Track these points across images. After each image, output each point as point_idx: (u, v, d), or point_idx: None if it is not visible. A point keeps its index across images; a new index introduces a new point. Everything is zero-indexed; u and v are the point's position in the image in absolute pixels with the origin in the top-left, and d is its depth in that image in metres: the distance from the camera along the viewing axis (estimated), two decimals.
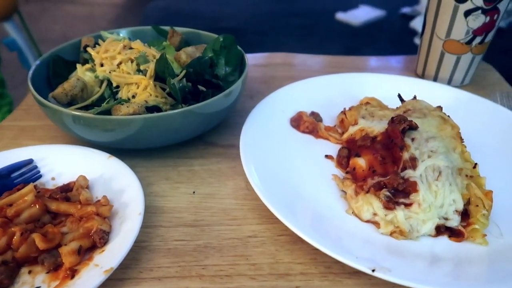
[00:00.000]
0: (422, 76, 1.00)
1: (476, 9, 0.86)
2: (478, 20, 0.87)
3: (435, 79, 0.97)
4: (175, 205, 0.62)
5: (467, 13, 0.87)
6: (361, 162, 0.65)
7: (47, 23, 4.05)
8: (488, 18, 0.87)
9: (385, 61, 1.10)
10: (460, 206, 0.57)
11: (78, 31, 3.86)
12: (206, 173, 0.68)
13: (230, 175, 0.68)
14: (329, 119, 0.80)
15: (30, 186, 0.56)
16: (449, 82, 0.96)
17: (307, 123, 0.76)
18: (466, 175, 0.61)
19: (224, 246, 0.55)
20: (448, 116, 0.70)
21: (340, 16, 2.29)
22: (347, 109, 0.78)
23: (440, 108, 0.73)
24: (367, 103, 0.79)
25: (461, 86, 0.97)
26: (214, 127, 0.76)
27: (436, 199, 0.57)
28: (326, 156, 0.71)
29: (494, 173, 0.64)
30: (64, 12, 4.36)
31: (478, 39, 0.90)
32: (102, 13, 4.38)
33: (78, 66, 0.77)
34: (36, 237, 0.49)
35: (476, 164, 0.62)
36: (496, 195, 0.59)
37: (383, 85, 0.87)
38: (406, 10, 2.32)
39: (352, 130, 0.72)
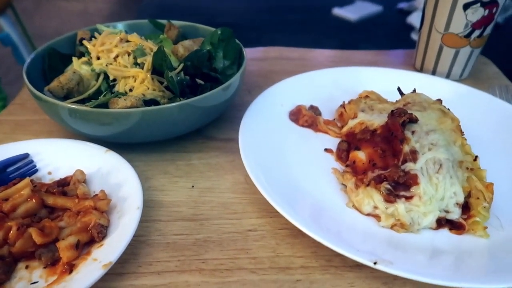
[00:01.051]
0: (421, 70, 1.00)
1: (475, 2, 0.86)
2: (477, 13, 0.87)
3: (433, 72, 0.97)
4: (173, 199, 0.61)
5: (466, 6, 0.86)
6: (361, 155, 0.64)
7: (41, 19, 4.00)
8: (487, 11, 0.87)
9: (383, 55, 1.09)
10: (461, 198, 0.57)
11: (72, 27, 3.80)
12: (204, 167, 0.67)
13: (229, 169, 0.67)
14: (328, 112, 0.80)
15: (26, 181, 0.55)
16: (447, 76, 0.96)
17: (306, 117, 0.75)
18: (467, 168, 0.60)
19: (224, 240, 0.55)
20: (448, 109, 0.70)
21: (337, 11, 2.28)
22: (346, 102, 0.78)
23: (440, 101, 0.72)
24: (366, 96, 0.79)
25: (460, 79, 0.96)
26: (213, 121, 0.75)
27: (437, 191, 0.56)
28: (326, 149, 0.71)
29: (494, 166, 0.64)
30: (59, 8, 4.31)
31: (477, 33, 0.90)
32: (96, 9, 4.34)
33: (74, 59, 0.76)
34: (33, 232, 0.49)
35: (476, 156, 0.62)
36: (497, 188, 0.59)
37: (382, 79, 0.86)
38: (403, 5, 2.31)
39: (351, 123, 0.72)
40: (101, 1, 4.54)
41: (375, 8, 2.32)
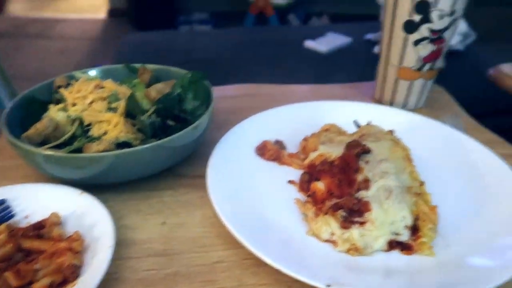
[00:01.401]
0: (380, 101, 1.07)
1: (424, 38, 0.94)
2: (426, 49, 0.95)
3: (391, 103, 1.04)
4: (145, 236, 0.65)
5: (416, 43, 0.95)
6: (320, 186, 0.69)
7: (21, 59, 4.06)
8: (435, 47, 0.95)
9: (349, 88, 1.17)
10: (409, 221, 0.62)
11: (53, 66, 3.88)
12: (175, 204, 0.72)
13: (198, 205, 0.71)
14: (293, 146, 0.85)
15: (3, 227, 0.58)
16: (404, 106, 1.03)
17: (271, 151, 0.81)
18: (415, 193, 0.66)
19: (192, 273, 0.59)
20: (399, 139, 0.77)
21: (309, 44, 2.40)
22: (308, 136, 0.84)
23: (391, 132, 0.79)
24: (327, 129, 0.85)
25: (416, 109, 1.04)
26: (184, 159, 0.80)
27: (388, 216, 0.62)
28: (289, 181, 0.76)
29: (441, 189, 0.70)
30: (39, 47, 4.38)
31: (428, 66, 0.98)
32: (76, 47, 4.42)
33: (51, 106, 0.80)
34: (9, 276, 0.52)
35: (423, 182, 0.68)
36: (442, 209, 0.65)
37: (343, 112, 0.93)
38: (369, 36, 2.44)
39: (312, 156, 0.77)
40: (81, 39, 4.64)
41: (345, 40, 2.45)
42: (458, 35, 2.30)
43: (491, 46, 2.99)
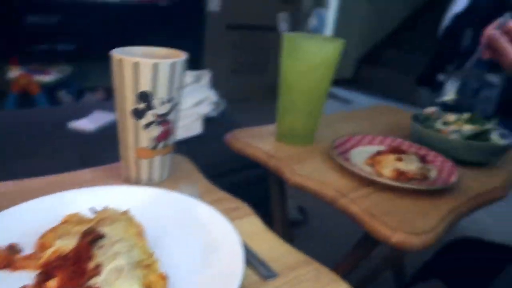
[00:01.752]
0: (129, 180, 1.16)
1: (151, 122, 1.09)
2: (156, 131, 1.10)
3: (137, 182, 1.14)
4: None
5: (146, 126, 1.09)
6: (52, 284, 0.70)
7: None
8: (163, 128, 1.12)
9: (98, 171, 1.21)
10: None
11: None
12: None
13: None
14: (31, 247, 0.82)
15: None
16: (149, 182, 1.15)
17: (0, 259, 0.76)
18: (145, 265, 0.75)
19: None
20: (133, 217, 0.85)
21: (73, 124, 2.35)
22: (46, 232, 0.83)
23: (126, 212, 0.87)
24: (66, 221, 0.86)
25: (161, 182, 1.17)
26: None
27: None
28: (22, 287, 0.73)
29: (173, 254, 0.82)
30: None
31: (162, 144, 1.13)
32: None
33: None
34: None
35: (152, 253, 0.78)
36: (174, 272, 0.75)
37: (86, 199, 0.96)
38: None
39: (48, 252, 0.77)
40: None
41: (112, 116, 2.51)
42: (211, 104, 2.71)
43: (245, 109, 3.63)
